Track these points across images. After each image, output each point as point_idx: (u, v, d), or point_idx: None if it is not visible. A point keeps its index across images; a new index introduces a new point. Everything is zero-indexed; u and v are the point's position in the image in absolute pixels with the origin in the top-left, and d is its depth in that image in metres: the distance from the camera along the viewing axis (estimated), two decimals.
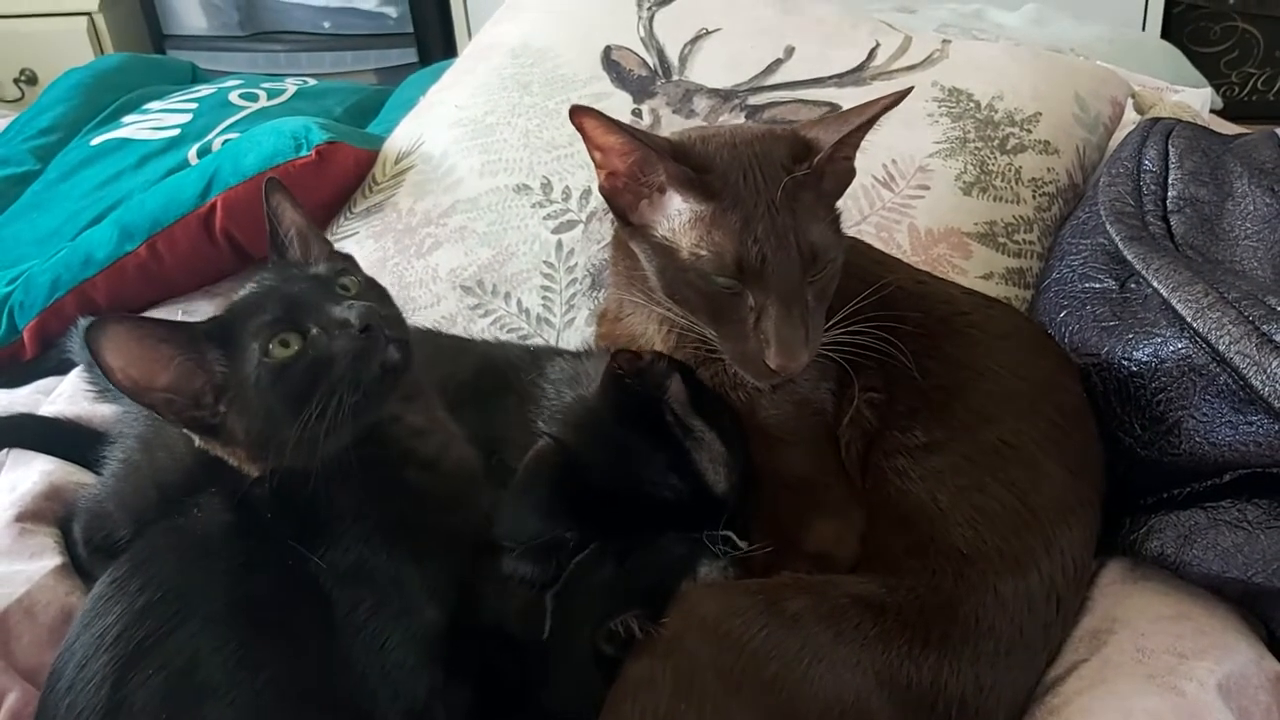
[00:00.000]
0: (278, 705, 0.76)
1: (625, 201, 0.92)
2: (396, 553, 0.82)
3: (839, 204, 0.94)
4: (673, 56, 1.39)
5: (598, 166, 0.92)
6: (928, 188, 1.23)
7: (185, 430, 0.82)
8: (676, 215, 0.89)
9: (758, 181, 0.87)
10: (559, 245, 1.25)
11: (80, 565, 1.02)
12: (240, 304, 0.83)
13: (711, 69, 1.37)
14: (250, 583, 0.80)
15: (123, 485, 1.01)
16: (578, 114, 0.88)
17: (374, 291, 0.87)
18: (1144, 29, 2.71)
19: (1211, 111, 1.68)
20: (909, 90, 0.91)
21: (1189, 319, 0.90)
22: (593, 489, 0.88)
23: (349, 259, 0.90)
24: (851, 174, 0.94)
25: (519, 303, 1.24)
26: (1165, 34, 2.75)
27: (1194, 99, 1.61)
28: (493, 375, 1.04)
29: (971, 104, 1.29)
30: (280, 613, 0.80)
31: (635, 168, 0.90)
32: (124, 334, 0.77)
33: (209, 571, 0.81)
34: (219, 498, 0.83)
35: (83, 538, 1.03)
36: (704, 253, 0.87)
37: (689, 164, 0.88)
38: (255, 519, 0.81)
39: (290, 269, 0.86)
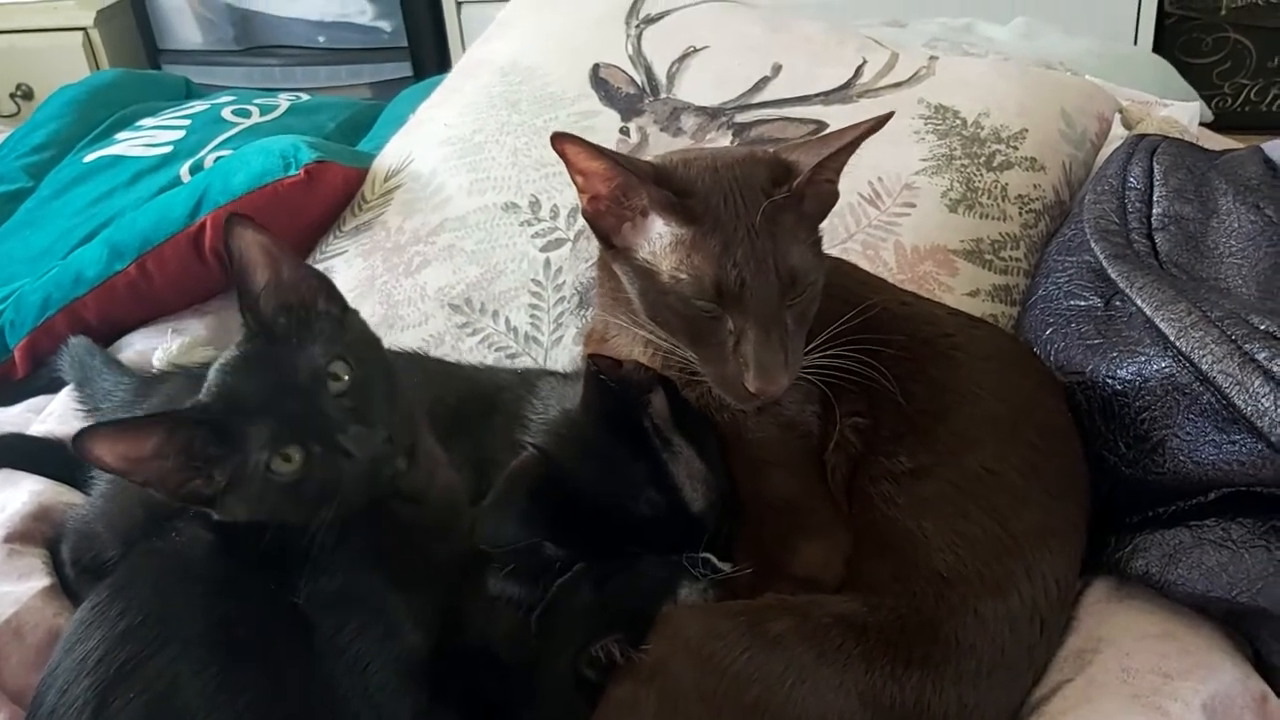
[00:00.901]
0: None
1: (608, 225, 0.92)
2: (381, 578, 0.82)
3: (823, 224, 0.94)
4: (660, 74, 1.40)
5: (580, 191, 0.92)
6: (914, 205, 1.23)
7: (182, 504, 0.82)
8: (658, 238, 0.89)
9: (738, 205, 0.87)
10: (547, 263, 1.26)
11: (68, 586, 1.02)
12: (226, 391, 0.80)
13: (699, 87, 1.38)
14: (231, 605, 0.80)
15: (111, 505, 1.01)
16: (559, 141, 0.89)
17: (372, 374, 0.82)
18: (1136, 41, 2.71)
19: (1203, 124, 1.68)
20: (891, 115, 0.91)
21: (1172, 338, 0.90)
22: (572, 497, 0.89)
23: (326, 285, 0.87)
24: (834, 196, 0.94)
25: (507, 321, 1.24)
26: (1157, 45, 2.75)
27: (1183, 113, 1.61)
28: (480, 399, 1.04)
29: (958, 121, 1.29)
30: (261, 635, 0.80)
31: (618, 192, 0.90)
32: (109, 436, 0.78)
33: (189, 595, 0.81)
34: (200, 520, 0.83)
35: (71, 558, 1.03)
36: (684, 276, 0.87)
37: (671, 188, 0.88)
38: (236, 541, 0.81)
39: (271, 342, 0.81)
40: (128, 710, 0.74)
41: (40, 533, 1.07)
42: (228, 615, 0.79)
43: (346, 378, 0.81)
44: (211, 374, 0.82)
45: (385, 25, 2.97)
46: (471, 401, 1.04)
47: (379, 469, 0.80)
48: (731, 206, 0.87)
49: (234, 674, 0.77)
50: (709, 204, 0.88)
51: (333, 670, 0.80)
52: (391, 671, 0.81)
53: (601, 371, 0.90)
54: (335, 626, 0.81)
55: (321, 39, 3.01)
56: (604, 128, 1.33)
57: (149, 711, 0.75)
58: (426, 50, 3.02)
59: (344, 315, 0.85)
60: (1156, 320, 0.92)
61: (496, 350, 1.23)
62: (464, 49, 2.84)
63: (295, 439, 0.78)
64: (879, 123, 0.90)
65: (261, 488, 0.78)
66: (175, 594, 0.81)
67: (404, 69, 3.00)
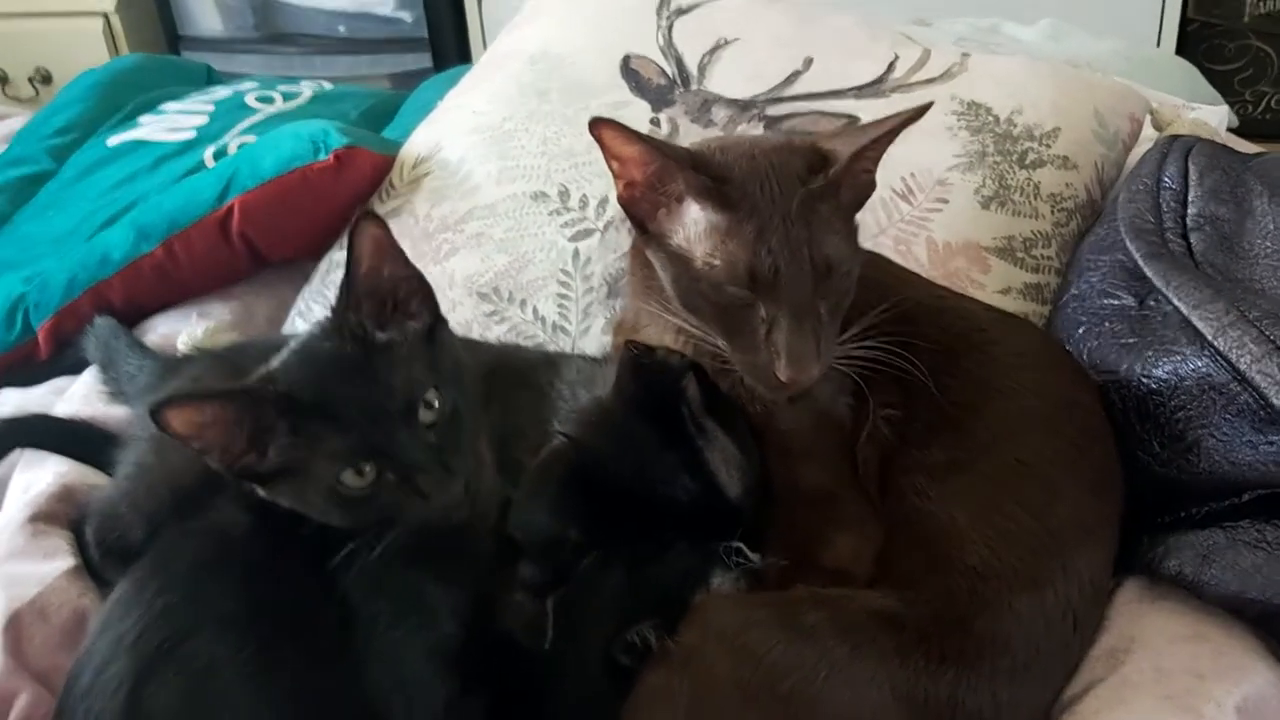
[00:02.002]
0: (295, 710, 0.76)
1: (643, 211, 0.92)
2: (419, 568, 0.82)
3: (858, 217, 0.94)
4: (691, 66, 1.39)
5: (616, 176, 0.92)
6: (946, 201, 1.23)
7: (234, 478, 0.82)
8: (693, 224, 0.89)
9: (774, 192, 0.87)
10: (576, 253, 1.25)
11: (93, 567, 1.02)
12: (313, 387, 0.78)
13: (730, 79, 1.37)
14: (268, 587, 0.80)
15: (135, 486, 1.01)
16: (597, 125, 0.88)
17: (458, 407, 0.81)
18: (1159, 45, 2.70)
19: (1227, 130, 1.67)
20: (929, 105, 0.91)
21: (1210, 337, 0.89)
22: (605, 486, 0.88)
23: (426, 290, 0.85)
24: (872, 186, 0.94)
25: (535, 310, 1.24)
26: (1179, 51, 2.74)
27: (1211, 116, 1.60)
28: (507, 372, 1.04)
29: (990, 118, 1.28)
30: (299, 617, 0.80)
31: (654, 177, 0.90)
32: (184, 407, 0.77)
33: (227, 575, 0.81)
34: (237, 500, 0.83)
35: (95, 539, 1.02)
36: (717, 262, 0.87)
37: (708, 174, 0.88)
38: (275, 523, 0.81)
39: (367, 347, 0.80)
40: (165, 690, 0.75)
41: (65, 513, 1.07)
42: (265, 596, 0.79)
43: (436, 405, 0.80)
44: (291, 356, 0.81)
45: (406, 16, 2.96)
46: (498, 375, 1.03)
47: (446, 514, 0.80)
48: (767, 193, 0.87)
49: (271, 655, 0.77)
50: (745, 190, 0.87)
51: (366, 656, 0.80)
52: (425, 661, 0.81)
53: (642, 356, 0.90)
54: (372, 614, 0.80)
55: (342, 29, 3.00)
56: (635, 118, 1.32)
57: (186, 692, 0.75)
58: (447, 42, 3.01)
59: (435, 326, 0.85)
60: (1193, 319, 0.92)
61: (524, 339, 1.22)
62: (485, 41, 2.85)
63: (370, 456, 0.77)
64: (917, 113, 0.90)
65: (319, 490, 0.78)
66: (213, 574, 0.81)
67: (424, 60, 2.99)
